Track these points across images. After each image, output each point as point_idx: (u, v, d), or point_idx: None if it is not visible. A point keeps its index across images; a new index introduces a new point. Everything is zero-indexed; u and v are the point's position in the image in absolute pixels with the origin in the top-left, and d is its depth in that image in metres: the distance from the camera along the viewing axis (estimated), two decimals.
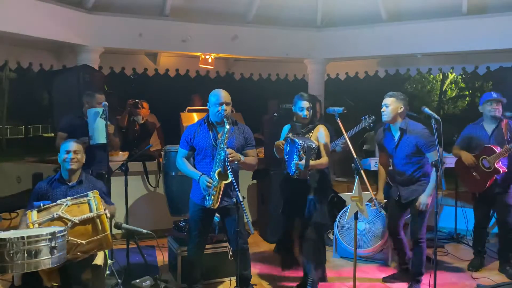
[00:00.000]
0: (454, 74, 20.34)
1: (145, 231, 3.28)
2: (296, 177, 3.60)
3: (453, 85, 25.04)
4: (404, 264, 4.17)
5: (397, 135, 3.89)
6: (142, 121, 6.22)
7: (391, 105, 3.82)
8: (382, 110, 3.88)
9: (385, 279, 4.23)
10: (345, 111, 3.81)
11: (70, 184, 3.40)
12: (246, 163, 3.61)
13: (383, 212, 4.62)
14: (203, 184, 3.42)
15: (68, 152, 3.38)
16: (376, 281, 4.25)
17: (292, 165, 3.56)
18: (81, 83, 5.08)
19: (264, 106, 6.29)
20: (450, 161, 4.93)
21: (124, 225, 3.36)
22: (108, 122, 4.23)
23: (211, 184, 3.39)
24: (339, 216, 4.79)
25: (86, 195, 3.12)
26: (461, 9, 5.69)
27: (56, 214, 2.92)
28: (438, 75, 19.48)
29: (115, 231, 3.88)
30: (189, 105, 6.56)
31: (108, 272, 3.57)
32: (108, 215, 3.28)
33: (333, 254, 4.91)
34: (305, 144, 3.48)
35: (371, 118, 4.75)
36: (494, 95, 4.30)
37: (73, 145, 3.42)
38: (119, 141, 4.74)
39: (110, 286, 3.63)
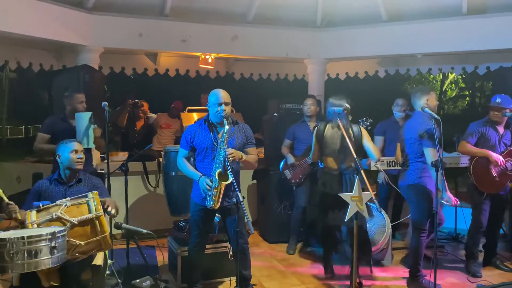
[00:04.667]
0: (454, 74, 20.37)
1: (145, 231, 3.28)
2: None
3: (453, 85, 25.09)
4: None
5: None
6: (150, 122, 6.23)
7: None
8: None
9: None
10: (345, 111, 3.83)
11: (69, 183, 3.40)
12: (248, 162, 3.59)
13: (382, 212, 4.63)
14: (203, 185, 3.42)
15: (76, 152, 3.37)
16: (376, 280, 4.26)
17: None
18: (81, 83, 5.07)
19: (264, 106, 6.29)
20: (463, 160, 4.94)
21: (124, 225, 3.35)
22: (95, 126, 4.19)
23: (211, 185, 3.40)
24: None
25: (86, 196, 3.11)
26: (461, 9, 5.69)
27: (55, 215, 2.92)
28: (438, 75, 19.51)
29: (115, 231, 3.88)
30: (198, 105, 6.57)
31: (108, 272, 3.57)
32: (113, 211, 3.27)
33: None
34: None
35: (368, 121, 4.81)
36: (498, 100, 4.22)
37: (78, 145, 3.42)
38: (106, 143, 4.56)
39: (110, 286, 3.62)
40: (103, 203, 3.17)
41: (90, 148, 4.25)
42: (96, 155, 4.78)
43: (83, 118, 4.17)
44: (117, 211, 3.37)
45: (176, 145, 4.95)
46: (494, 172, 4.21)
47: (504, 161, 4.20)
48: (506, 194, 4.42)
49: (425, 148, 3.78)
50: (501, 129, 4.30)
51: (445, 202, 3.83)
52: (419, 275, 3.97)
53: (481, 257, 4.59)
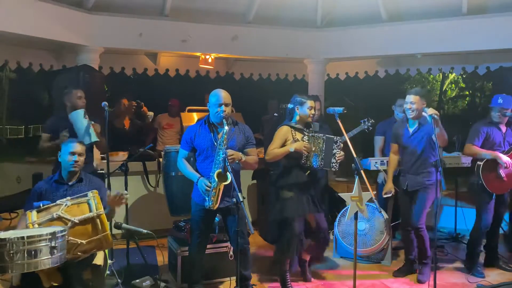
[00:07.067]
0: (454, 74, 20.34)
1: (145, 231, 3.27)
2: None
3: (453, 85, 25.04)
4: (410, 255, 4.33)
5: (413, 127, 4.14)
6: (149, 121, 6.21)
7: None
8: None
9: (395, 274, 4.36)
10: (345, 111, 3.83)
11: (70, 183, 3.40)
12: (247, 162, 3.60)
13: (382, 212, 4.63)
14: (202, 187, 3.43)
15: (73, 154, 3.35)
16: (376, 280, 4.25)
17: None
18: (81, 83, 5.08)
19: (264, 106, 6.30)
20: (464, 160, 4.99)
21: (124, 225, 3.35)
22: (93, 122, 4.12)
23: (210, 187, 3.39)
24: (339, 216, 4.79)
25: (86, 195, 3.11)
26: (461, 9, 5.69)
27: (56, 214, 2.92)
28: (438, 75, 19.47)
29: (115, 231, 3.87)
30: (199, 105, 6.55)
31: (108, 272, 3.57)
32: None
33: (333, 254, 4.91)
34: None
35: (370, 121, 4.83)
36: (500, 100, 4.23)
37: (77, 147, 3.39)
38: (106, 142, 4.30)
39: (110, 286, 3.62)
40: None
41: (92, 148, 4.22)
42: (96, 155, 4.76)
43: (78, 116, 4.11)
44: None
45: (177, 145, 4.94)
46: (503, 173, 4.21)
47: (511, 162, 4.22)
48: (509, 194, 4.43)
49: None
50: (503, 128, 4.32)
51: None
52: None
53: (482, 257, 4.58)
